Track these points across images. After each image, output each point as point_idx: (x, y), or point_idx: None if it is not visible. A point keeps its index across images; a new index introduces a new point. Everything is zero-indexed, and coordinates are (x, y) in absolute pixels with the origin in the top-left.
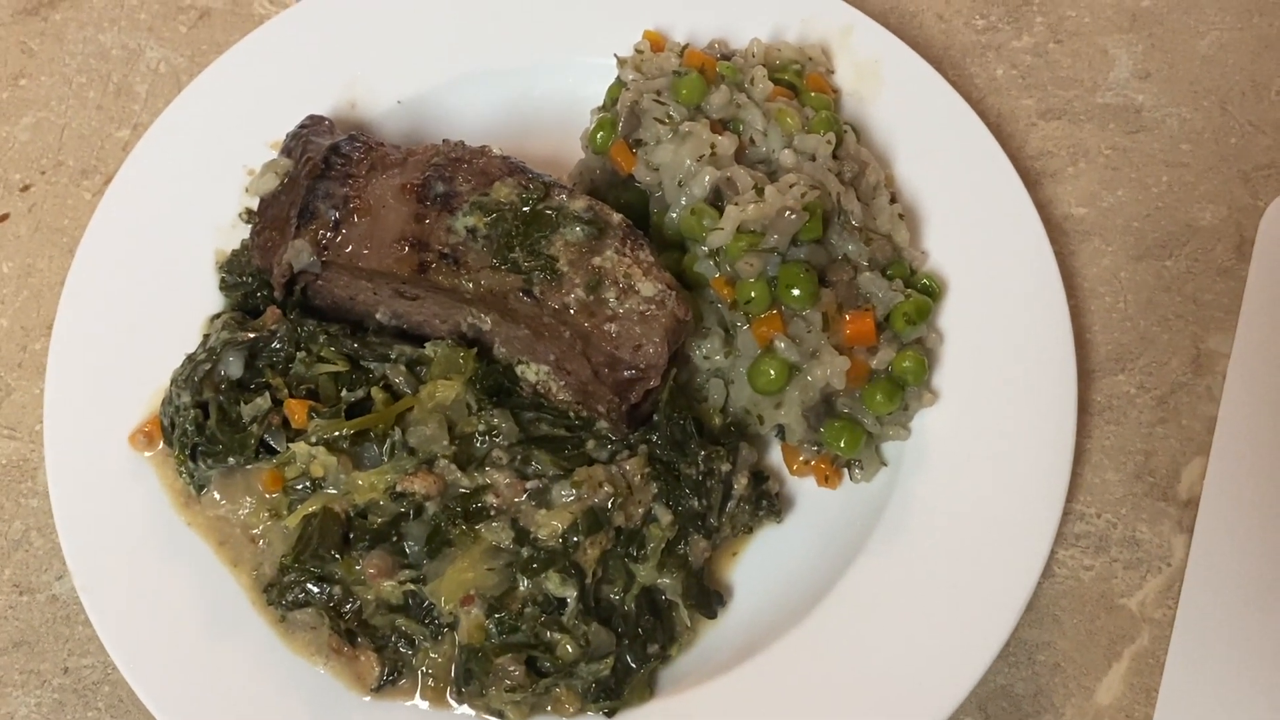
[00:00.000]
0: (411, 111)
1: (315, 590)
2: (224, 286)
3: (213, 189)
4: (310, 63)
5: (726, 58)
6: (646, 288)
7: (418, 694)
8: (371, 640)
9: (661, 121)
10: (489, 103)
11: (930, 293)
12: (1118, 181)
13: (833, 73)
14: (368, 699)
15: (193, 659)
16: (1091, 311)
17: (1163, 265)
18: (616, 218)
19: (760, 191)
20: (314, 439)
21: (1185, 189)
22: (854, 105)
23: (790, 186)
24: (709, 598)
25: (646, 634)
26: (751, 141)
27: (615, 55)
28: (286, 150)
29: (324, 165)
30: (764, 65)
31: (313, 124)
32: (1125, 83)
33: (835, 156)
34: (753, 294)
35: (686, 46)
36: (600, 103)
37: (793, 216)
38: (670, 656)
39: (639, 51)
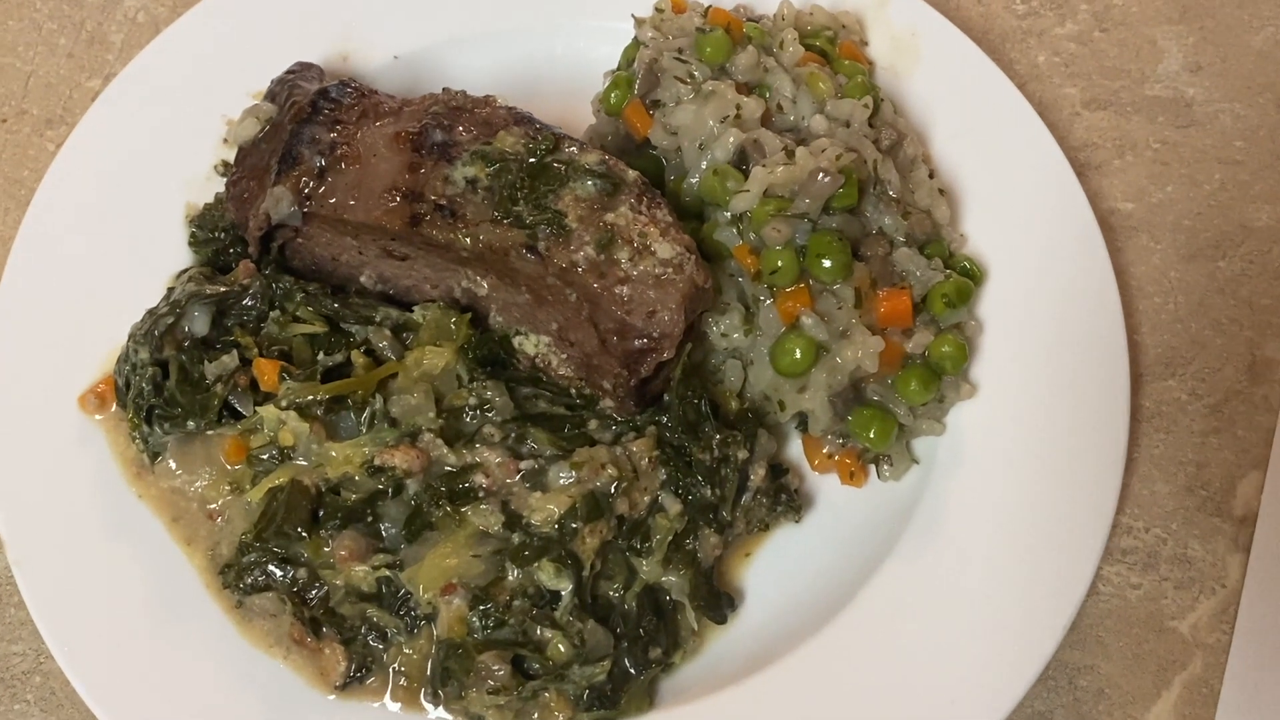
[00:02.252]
0: (408, 68)
1: (278, 573)
2: (194, 242)
3: (187, 139)
4: (301, 10)
5: (753, 21)
6: (663, 249)
7: (388, 694)
8: (338, 631)
9: (683, 81)
10: (492, 63)
11: (971, 276)
12: (1167, 177)
13: (866, 44)
14: (331, 698)
15: (137, 647)
16: (1139, 312)
17: (1215, 266)
18: (632, 174)
19: (790, 154)
20: (285, 403)
21: (1239, 188)
22: (888, 80)
23: (823, 150)
24: (718, 600)
25: (648, 636)
26: (779, 108)
27: (633, 15)
28: (271, 95)
29: (311, 109)
30: (794, 29)
31: (301, 70)
32: (1175, 75)
33: (871, 125)
34: (779, 263)
35: (710, 6)
36: (613, 66)
37: (826, 179)
38: (673, 663)
39: (659, 10)
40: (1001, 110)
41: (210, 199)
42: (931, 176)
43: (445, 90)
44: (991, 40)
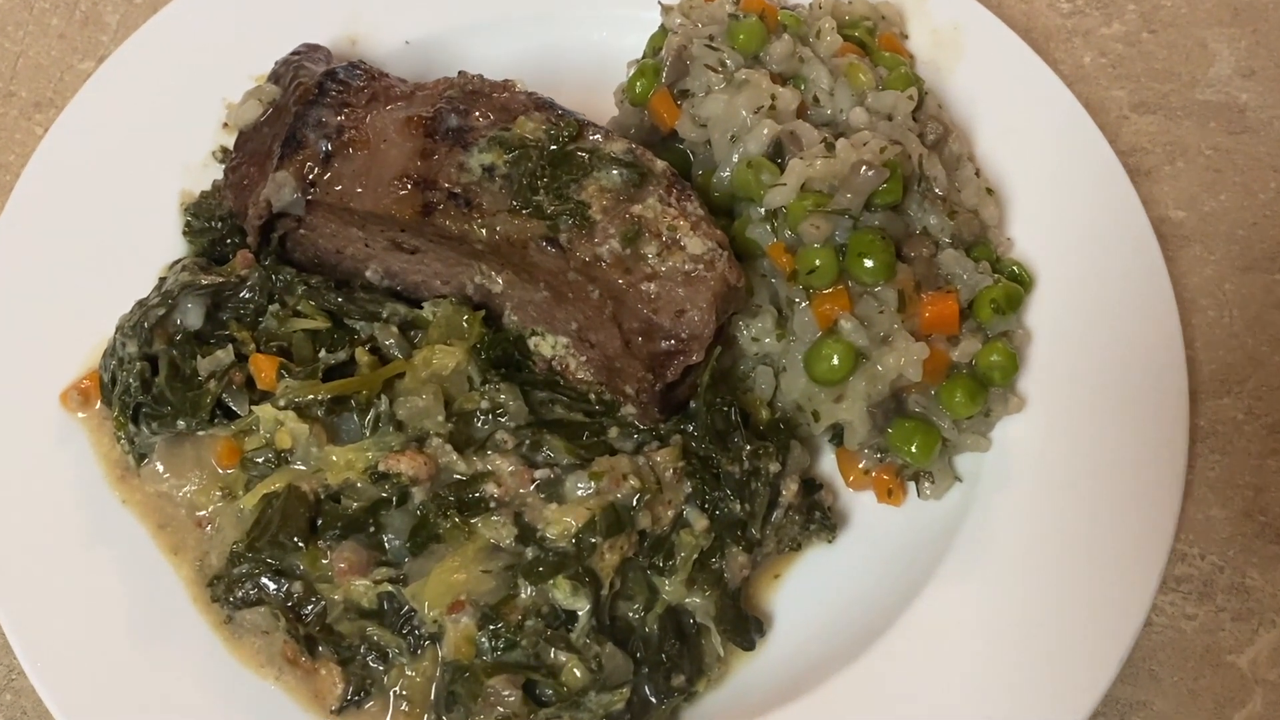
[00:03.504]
0: (421, 55)
1: (271, 586)
2: (189, 232)
3: (184, 122)
4: None
5: (789, 10)
6: (694, 244)
7: (388, 719)
8: (335, 651)
9: (714, 69)
10: (509, 52)
11: (1020, 281)
12: (1220, 185)
13: (906, 37)
14: None
15: (117, 664)
16: (1193, 326)
17: (1272, 279)
18: (660, 164)
19: (830, 147)
20: (283, 403)
21: None
22: (930, 75)
23: (865, 143)
24: (746, 625)
25: (670, 663)
26: (815, 101)
27: (660, 2)
28: (275, 77)
29: (317, 91)
30: (832, 18)
31: (307, 51)
32: (1227, 80)
33: (914, 119)
34: (817, 263)
35: None
36: (638, 56)
37: (870, 173)
38: (697, 692)
39: None
40: (1050, 109)
41: (207, 186)
42: (978, 175)
43: (461, 74)
44: (1035, 39)
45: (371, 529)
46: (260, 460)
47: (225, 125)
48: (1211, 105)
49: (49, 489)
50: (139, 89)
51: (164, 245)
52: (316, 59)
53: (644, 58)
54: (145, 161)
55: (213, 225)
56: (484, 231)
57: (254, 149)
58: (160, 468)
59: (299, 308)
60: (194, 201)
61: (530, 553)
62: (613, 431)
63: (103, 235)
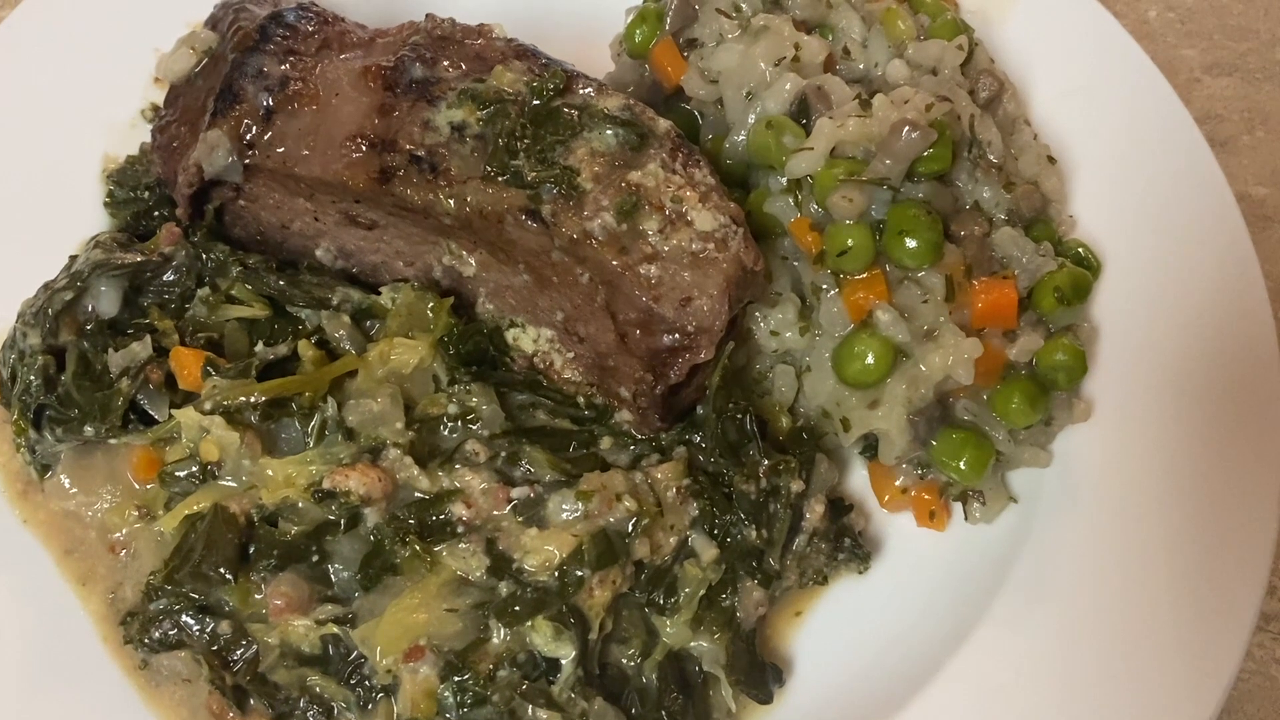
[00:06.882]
0: (386, 4)
1: (194, 626)
2: (111, 203)
3: (109, 76)
4: None
5: None
6: (703, 219)
7: None
8: (269, 704)
9: (727, 15)
10: None
11: (1087, 266)
12: None
13: None
14: None
15: (11, 716)
16: (1277, 319)
17: None
18: (663, 124)
19: (865, 104)
20: (209, 405)
21: None
22: (976, 27)
23: (906, 100)
24: (762, 673)
25: (672, 719)
26: (846, 53)
27: None
28: (213, 22)
29: (259, 36)
30: None
31: None
32: None
33: (962, 74)
34: (849, 242)
35: None
36: (637, 3)
37: (914, 135)
38: None
39: None
40: (1119, 68)
41: (135, 150)
42: (1035, 139)
43: (429, 17)
44: None
45: (315, 558)
46: (182, 475)
47: (157, 80)
48: None
49: None
50: (58, 37)
51: (82, 219)
52: (261, 2)
53: (645, 2)
54: (63, 120)
55: (139, 195)
56: (452, 202)
57: (186, 105)
58: (67, 482)
59: (233, 292)
60: (118, 168)
61: (505, 588)
62: (605, 442)
63: (10, 207)
